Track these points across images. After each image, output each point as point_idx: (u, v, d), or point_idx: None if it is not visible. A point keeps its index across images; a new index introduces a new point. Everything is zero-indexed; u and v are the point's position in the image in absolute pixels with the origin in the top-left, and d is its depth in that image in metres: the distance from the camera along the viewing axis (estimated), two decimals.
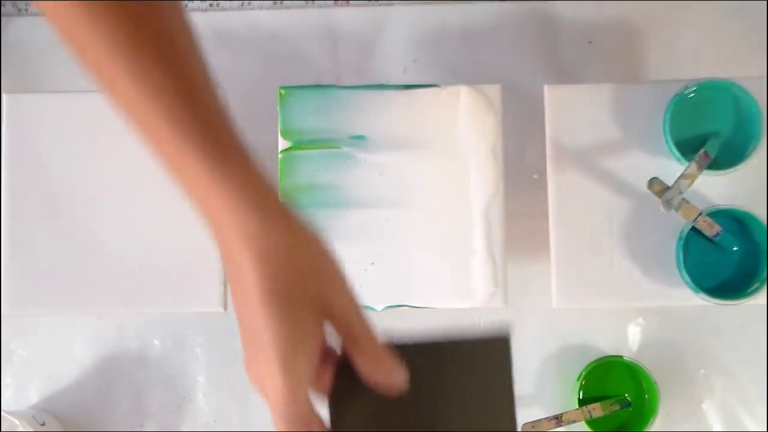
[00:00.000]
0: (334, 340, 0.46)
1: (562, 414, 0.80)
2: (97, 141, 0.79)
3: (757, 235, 0.73)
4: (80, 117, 0.79)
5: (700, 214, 0.69)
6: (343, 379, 0.45)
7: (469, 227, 0.76)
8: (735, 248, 0.74)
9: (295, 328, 0.41)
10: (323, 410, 0.45)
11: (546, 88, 0.77)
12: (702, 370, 0.90)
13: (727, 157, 0.73)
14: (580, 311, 0.91)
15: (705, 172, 0.69)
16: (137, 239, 0.78)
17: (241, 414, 0.92)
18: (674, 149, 0.72)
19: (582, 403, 0.85)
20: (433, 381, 0.46)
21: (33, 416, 0.86)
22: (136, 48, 0.42)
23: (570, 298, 0.76)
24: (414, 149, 0.77)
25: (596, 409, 0.82)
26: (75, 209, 0.79)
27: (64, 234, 0.78)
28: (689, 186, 0.68)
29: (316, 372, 0.43)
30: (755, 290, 0.72)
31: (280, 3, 0.97)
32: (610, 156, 0.76)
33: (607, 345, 0.91)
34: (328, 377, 0.45)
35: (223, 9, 0.97)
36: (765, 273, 0.72)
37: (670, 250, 0.74)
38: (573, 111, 0.77)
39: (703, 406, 0.90)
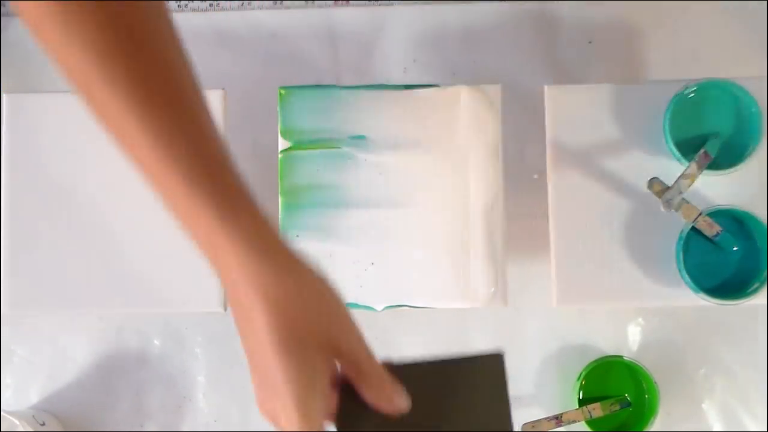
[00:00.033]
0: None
1: (562, 414, 0.80)
2: (97, 141, 0.78)
3: (757, 235, 0.73)
4: (80, 117, 0.78)
5: (700, 214, 0.69)
6: (348, 402, 0.47)
7: (469, 227, 0.76)
8: (735, 248, 0.74)
9: (308, 370, 0.44)
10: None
11: (546, 88, 0.77)
12: (702, 370, 0.90)
13: (727, 157, 0.73)
14: (580, 311, 0.91)
15: (705, 172, 0.69)
16: (137, 239, 0.78)
17: (241, 414, 0.92)
18: (674, 149, 0.72)
19: (582, 403, 0.85)
20: (433, 398, 0.49)
21: (33, 416, 0.86)
22: (147, 98, 0.43)
23: (570, 298, 0.76)
24: (414, 149, 0.77)
25: (596, 409, 0.82)
26: (75, 209, 0.79)
27: (64, 234, 0.78)
28: (689, 186, 0.68)
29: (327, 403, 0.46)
30: (755, 290, 0.72)
31: (280, 3, 0.97)
32: (610, 156, 0.76)
33: (607, 345, 0.91)
34: (334, 401, 0.47)
35: (223, 9, 0.97)
36: (765, 273, 0.72)
37: (670, 250, 0.74)
38: (573, 111, 0.77)
39: (703, 406, 0.90)
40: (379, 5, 0.97)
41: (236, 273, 0.44)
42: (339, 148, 0.77)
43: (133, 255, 0.77)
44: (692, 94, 0.74)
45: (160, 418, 0.92)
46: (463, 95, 0.77)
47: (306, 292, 0.45)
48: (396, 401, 0.47)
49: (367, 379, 0.47)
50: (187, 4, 0.97)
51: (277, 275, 0.44)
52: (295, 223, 0.77)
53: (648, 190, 0.69)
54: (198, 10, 0.97)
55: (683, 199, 0.68)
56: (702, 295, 0.72)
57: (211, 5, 0.98)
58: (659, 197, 0.68)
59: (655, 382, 0.84)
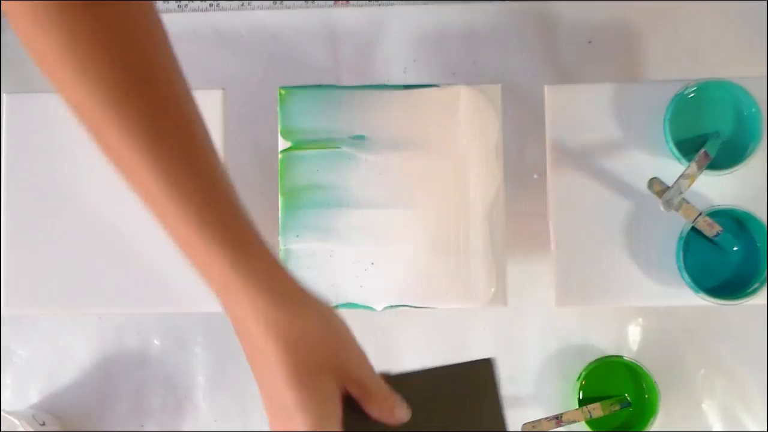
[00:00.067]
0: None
1: (562, 414, 0.80)
2: None
3: (757, 235, 0.73)
4: None
5: (700, 214, 0.69)
6: (352, 413, 0.49)
7: (469, 227, 0.76)
8: (735, 248, 0.74)
9: (321, 398, 0.46)
10: None
11: (546, 88, 0.77)
12: (702, 370, 0.90)
13: (727, 157, 0.73)
14: (580, 311, 0.91)
15: (705, 172, 0.69)
16: (137, 239, 0.78)
17: (241, 414, 0.92)
18: (674, 149, 0.72)
19: (582, 403, 0.85)
20: (430, 406, 0.52)
21: (33, 416, 0.86)
22: (159, 142, 0.44)
23: (570, 298, 0.76)
24: (414, 149, 0.77)
25: (596, 409, 0.82)
26: (75, 209, 0.79)
27: (64, 234, 0.78)
28: (689, 186, 0.68)
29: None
30: (755, 290, 0.72)
31: (280, 3, 0.97)
32: (610, 156, 0.76)
33: (607, 345, 0.91)
34: (341, 416, 0.49)
35: (223, 9, 0.97)
36: (765, 273, 0.72)
37: (670, 250, 0.74)
38: (573, 111, 0.77)
39: (703, 406, 0.90)
40: (379, 5, 0.97)
41: (249, 313, 0.46)
42: (339, 148, 0.77)
43: (133, 255, 0.77)
44: (692, 94, 0.74)
45: (160, 418, 0.92)
46: (463, 95, 0.77)
47: (316, 326, 0.47)
48: (397, 413, 0.50)
49: (372, 397, 0.49)
50: (187, 4, 0.97)
51: (289, 313, 0.46)
52: (295, 223, 0.77)
53: (648, 190, 0.69)
54: (198, 10, 0.97)
55: (683, 199, 0.68)
56: (702, 295, 0.72)
57: (211, 5, 0.98)
58: (659, 197, 0.68)
59: (655, 382, 0.84)
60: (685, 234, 0.72)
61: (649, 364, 0.85)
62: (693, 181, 0.68)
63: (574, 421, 0.81)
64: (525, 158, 0.92)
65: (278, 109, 0.78)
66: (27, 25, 0.43)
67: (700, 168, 0.69)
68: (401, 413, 0.50)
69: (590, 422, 0.82)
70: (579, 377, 0.86)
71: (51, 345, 0.93)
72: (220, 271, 0.45)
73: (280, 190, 0.77)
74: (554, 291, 0.76)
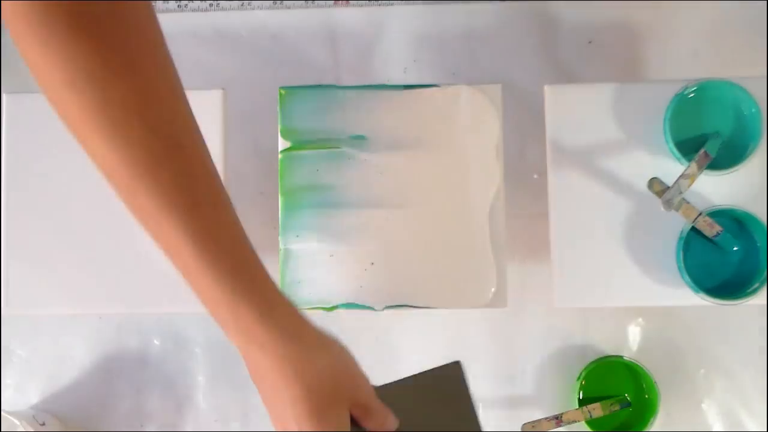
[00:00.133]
0: None
1: (562, 414, 0.80)
2: None
3: (757, 235, 0.73)
4: None
5: (700, 214, 0.69)
6: (352, 428, 0.54)
7: (470, 227, 0.76)
8: (735, 248, 0.74)
9: (335, 425, 0.51)
10: None
11: (546, 88, 0.77)
12: (702, 370, 0.90)
13: (727, 157, 0.73)
14: (580, 311, 0.91)
15: (705, 172, 0.69)
16: (137, 239, 0.78)
17: (241, 414, 0.92)
18: (674, 149, 0.72)
19: (582, 403, 0.85)
20: (411, 411, 0.57)
21: (33, 416, 0.86)
22: (191, 207, 0.46)
23: (570, 298, 0.76)
24: (414, 149, 0.77)
25: (596, 409, 0.82)
26: (75, 209, 0.79)
27: (64, 234, 0.78)
28: (689, 186, 0.68)
29: None
30: (755, 290, 0.72)
31: (280, 3, 0.97)
32: (610, 156, 0.76)
33: (607, 345, 0.91)
34: None
35: (223, 9, 0.97)
36: (765, 273, 0.72)
37: (670, 250, 0.74)
38: (573, 111, 0.77)
39: (703, 406, 0.90)
40: (379, 5, 0.97)
41: (275, 362, 0.49)
42: (339, 148, 0.77)
43: (133, 255, 0.77)
44: (692, 94, 0.74)
45: (160, 418, 0.92)
46: (463, 95, 0.77)
47: (330, 363, 0.51)
48: (388, 425, 0.55)
49: (372, 415, 0.54)
50: (187, 4, 0.97)
51: (307, 358, 0.50)
52: (295, 223, 0.77)
53: (648, 190, 0.69)
54: (198, 10, 0.97)
55: (683, 199, 0.68)
56: (702, 295, 0.72)
57: (211, 5, 0.98)
58: (659, 197, 0.68)
59: (655, 382, 0.84)
60: (685, 234, 0.72)
61: (649, 364, 0.85)
62: (693, 181, 0.68)
63: (574, 421, 0.81)
64: (525, 158, 0.92)
65: (278, 109, 0.78)
66: (59, 88, 0.43)
67: (700, 168, 0.69)
68: (392, 424, 0.55)
69: (590, 422, 0.82)
70: (579, 377, 0.86)
71: (51, 345, 0.93)
72: (247, 326, 0.49)
73: (280, 190, 0.77)
74: (554, 291, 0.76)
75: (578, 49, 0.95)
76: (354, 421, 0.53)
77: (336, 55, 0.96)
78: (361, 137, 0.77)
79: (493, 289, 0.76)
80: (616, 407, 0.84)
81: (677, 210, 0.69)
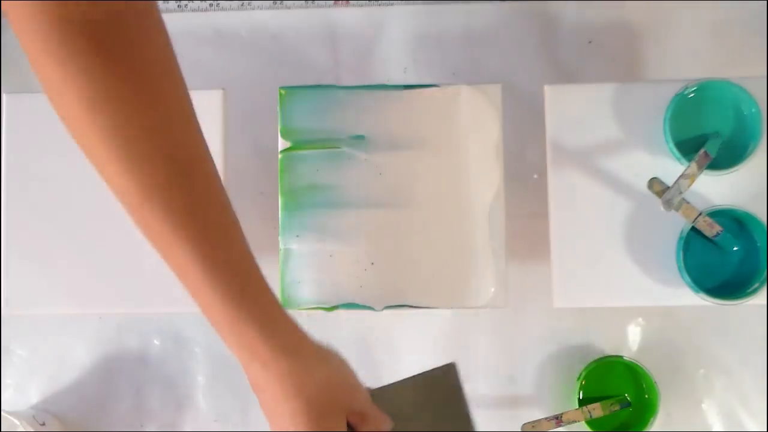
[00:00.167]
0: None
1: (562, 414, 0.80)
2: None
3: (757, 235, 0.73)
4: None
5: (700, 214, 0.69)
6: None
7: (470, 227, 0.76)
8: (735, 248, 0.74)
9: None
10: None
11: (546, 88, 0.77)
12: (702, 370, 0.90)
13: (727, 157, 0.73)
14: (580, 311, 0.91)
15: (705, 172, 0.69)
16: (137, 239, 0.78)
17: (241, 414, 0.92)
18: (674, 149, 0.72)
19: (582, 403, 0.85)
20: (406, 413, 0.59)
21: (33, 416, 0.86)
22: (202, 232, 0.47)
23: (570, 298, 0.76)
24: (414, 149, 0.77)
25: (596, 409, 0.82)
26: (75, 209, 0.79)
27: (64, 234, 0.78)
28: (689, 186, 0.68)
29: None
30: (755, 290, 0.72)
31: (280, 3, 0.97)
32: (610, 156, 0.76)
33: (607, 345, 0.91)
34: None
35: (223, 9, 0.97)
36: (765, 273, 0.72)
37: (670, 250, 0.74)
38: (573, 111, 0.77)
39: (703, 406, 0.90)
40: (379, 5, 0.97)
41: (276, 379, 0.51)
42: (339, 148, 0.77)
43: (133, 255, 0.77)
44: (692, 94, 0.74)
45: (160, 418, 0.92)
46: (463, 95, 0.77)
47: (328, 375, 0.54)
48: (383, 428, 0.57)
49: (368, 422, 0.56)
50: (187, 4, 0.97)
51: (307, 367, 0.52)
52: (295, 223, 0.77)
53: (648, 190, 0.69)
54: (198, 10, 0.97)
55: (683, 199, 0.68)
56: (702, 295, 0.72)
57: (211, 5, 0.98)
58: (659, 197, 0.68)
59: (655, 382, 0.84)
60: (685, 234, 0.72)
61: (649, 364, 0.85)
62: (693, 181, 0.68)
63: (574, 421, 0.81)
64: (525, 158, 0.92)
65: (278, 109, 0.78)
66: (75, 108, 0.43)
67: (700, 168, 0.69)
68: (387, 427, 0.57)
69: (590, 422, 0.82)
70: (579, 377, 0.86)
71: (51, 345, 0.93)
72: (249, 343, 0.50)
73: (280, 190, 0.77)
74: (554, 291, 0.76)
75: (578, 49, 0.95)
76: (351, 428, 0.55)
77: (336, 55, 0.96)
78: (361, 137, 0.77)
79: (492, 289, 0.76)
80: (616, 407, 0.84)
81: (677, 210, 0.69)
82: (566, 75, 0.94)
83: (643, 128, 0.76)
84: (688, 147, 0.73)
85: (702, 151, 0.69)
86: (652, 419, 0.83)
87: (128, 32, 0.43)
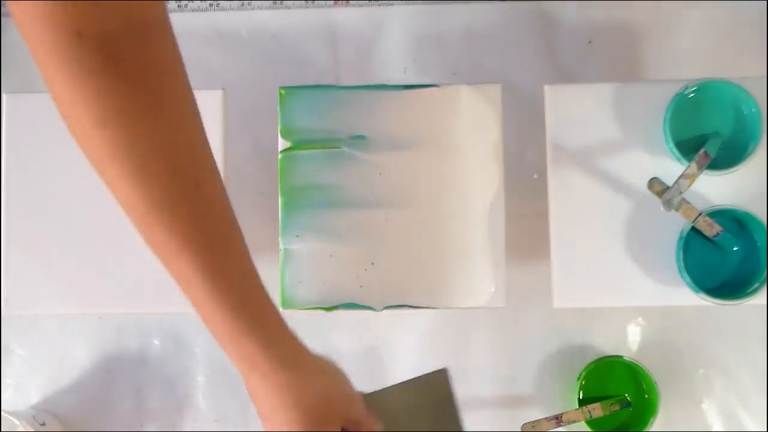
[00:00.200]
0: None
1: (562, 414, 0.80)
2: None
3: (757, 235, 0.73)
4: None
5: (700, 214, 0.69)
6: None
7: (470, 227, 0.76)
8: (735, 248, 0.74)
9: None
10: None
11: (546, 88, 0.77)
12: (701, 370, 0.90)
13: (727, 157, 0.73)
14: (580, 311, 0.91)
15: (705, 172, 0.69)
16: (138, 239, 0.78)
17: (241, 414, 0.92)
18: (674, 149, 0.72)
19: (582, 403, 0.85)
20: (399, 418, 0.61)
21: (33, 416, 0.86)
22: (206, 246, 0.48)
23: (570, 298, 0.76)
24: (414, 149, 0.77)
25: (596, 409, 0.82)
26: (75, 209, 0.79)
27: (65, 234, 0.78)
28: (689, 186, 0.68)
29: None
30: (755, 290, 0.72)
31: (280, 3, 0.97)
32: (610, 156, 0.76)
33: (607, 345, 0.91)
34: None
35: (223, 9, 0.97)
36: (765, 273, 0.72)
37: (670, 250, 0.74)
38: (573, 111, 0.77)
39: (703, 406, 0.90)
40: (379, 5, 0.97)
41: (274, 389, 0.53)
42: (339, 148, 0.77)
43: (133, 255, 0.77)
44: (692, 94, 0.74)
45: (160, 418, 0.92)
46: (463, 95, 0.77)
47: (324, 385, 0.55)
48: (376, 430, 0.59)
49: (362, 428, 0.58)
50: (187, 4, 0.97)
51: (305, 379, 0.53)
52: (295, 223, 0.77)
53: (648, 190, 0.69)
54: (198, 10, 0.97)
55: (683, 199, 0.68)
56: (702, 295, 0.72)
57: (211, 5, 0.98)
58: (659, 197, 0.68)
59: (655, 382, 0.84)
60: (685, 234, 0.72)
61: (649, 364, 0.85)
62: (693, 181, 0.68)
63: (574, 421, 0.81)
64: (525, 158, 0.92)
65: (278, 109, 0.78)
66: (86, 123, 0.44)
67: (700, 168, 0.69)
68: (379, 428, 0.59)
69: (590, 422, 0.82)
70: (579, 377, 0.86)
71: (51, 345, 0.93)
72: (249, 355, 0.52)
73: (280, 190, 0.77)
74: (554, 291, 0.76)
75: (578, 49, 0.95)
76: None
77: (336, 55, 0.96)
78: (361, 137, 0.77)
79: (492, 289, 0.76)
80: (616, 407, 0.84)
81: (677, 210, 0.69)
82: (566, 75, 0.94)
83: (643, 128, 0.76)
84: (688, 147, 0.73)
85: (702, 151, 0.69)
86: (652, 419, 0.83)
87: (142, 51, 0.43)
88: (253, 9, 0.97)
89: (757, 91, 0.73)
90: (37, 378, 0.93)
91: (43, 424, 0.86)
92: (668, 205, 0.68)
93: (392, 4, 0.96)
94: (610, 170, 0.76)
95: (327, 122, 0.78)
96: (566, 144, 0.76)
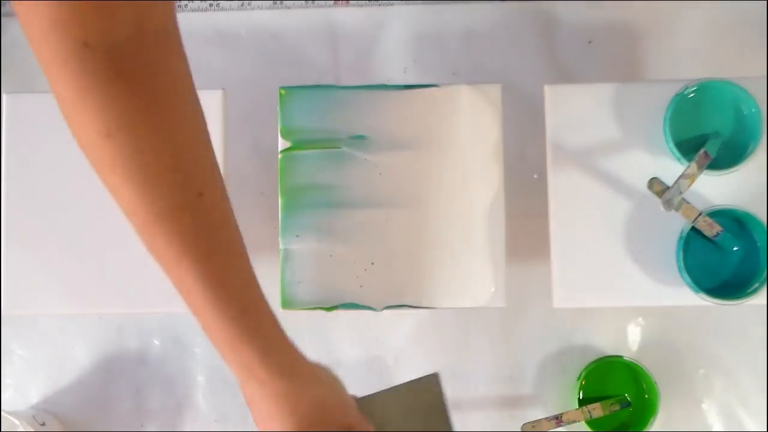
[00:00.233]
0: None
1: (562, 414, 0.80)
2: None
3: (757, 235, 0.73)
4: None
5: (700, 214, 0.69)
6: None
7: (470, 227, 0.76)
8: (735, 248, 0.74)
9: None
10: None
11: (546, 88, 0.77)
12: (702, 370, 0.90)
13: (727, 157, 0.73)
14: (580, 311, 0.91)
15: (705, 172, 0.69)
16: (138, 240, 0.78)
17: (241, 414, 0.92)
18: (674, 149, 0.72)
19: (582, 403, 0.85)
20: (390, 422, 0.62)
21: (33, 416, 0.86)
22: (207, 255, 0.48)
23: (570, 298, 0.76)
24: (414, 149, 0.77)
25: (596, 409, 0.82)
26: (75, 209, 0.79)
27: (65, 234, 0.78)
28: (689, 186, 0.68)
29: None
30: (755, 290, 0.72)
31: (280, 3, 0.97)
32: (610, 156, 0.76)
33: (607, 345, 0.91)
34: None
35: (223, 9, 0.97)
36: (765, 273, 0.72)
37: (670, 250, 0.74)
38: (573, 111, 0.77)
39: (703, 406, 0.90)
40: (379, 5, 0.97)
41: (269, 393, 0.53)
42: (339, 148, 0.77)
43: (133, 255, 0.77)
44: (692, 94, 0.74)
45: (160, 418, 0.92)
46: (463, 95, 0.77)
47: (321, 393, 0.56)
48: None
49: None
50: (187, 4, 0.97)
51: (302, 387, 0.54)
52: (295, 223, 0.77)
53: (648, 190, 0.69)
54: (198, 10, 0.97)
55: (683, 199, 0.68)
56: (702, 295, 0.72)
57: (211, 5, 0.98)
58: (659, 197, 0.68)
59: (655, 382, 0.84)
60: (685, 234, 0.72)
61: (649, 364, 0.85)
62: (693, 181, 0.68)
63: (574, 421, 0.81)
64: (525, 158, 0.92)
65: (278, 109, 0.78)
66: (92, 133, 0.44)
67: (700, 168, 0.69)
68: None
69: (590, 422, 0.82)
70: (579, 377, 0.86)
71: (51, 345, 0.93)
72: (248, 364, 0.52)
73: (280, 190, 0.77)
74: (554, 291, 0.76)
75: (578, 49, 0.95)
76: None
77: (336, 55, 0.96)
78: (361, 137, 0.77)
79: (492, 289, 0.76)
80: (616, 407, 0.84)
81: (677, 210, 0.69)
82: (566, 75, 0.94)
83: (643, 128, 0.76)
84: (688, 147, 0.73)
85: (702, 151, 0.69)
86: (652, 419, 0.83)
87: (150, 62, 0.43)
88: (253, 9, 0.97)
89: (757, 91, 0.73)
90: (37, 378, 0.93)
91: (43, 424, 0.86)
92: (668, 205, 0.68)
93: (392, 4, 0.96)
94: (610, 170, 0.76)
95: (327, 122, 0.78)
96: (566, 144, 0.76)
